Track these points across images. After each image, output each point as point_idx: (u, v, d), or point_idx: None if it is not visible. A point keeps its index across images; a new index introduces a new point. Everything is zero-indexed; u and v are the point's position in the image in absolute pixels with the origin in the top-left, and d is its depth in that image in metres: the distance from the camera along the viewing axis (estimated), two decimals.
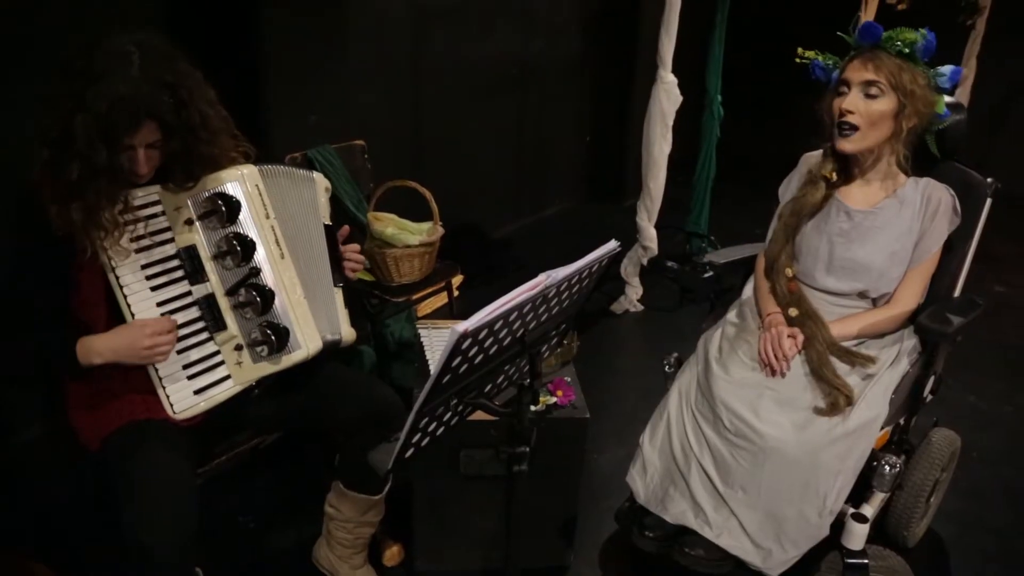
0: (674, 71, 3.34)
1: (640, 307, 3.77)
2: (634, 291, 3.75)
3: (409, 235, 2.65)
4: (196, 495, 1.53)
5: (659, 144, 3.40)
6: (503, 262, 4.31)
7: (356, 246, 1.94)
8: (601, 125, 5.20)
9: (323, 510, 2.01)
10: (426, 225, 2.73)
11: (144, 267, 1.56)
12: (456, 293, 3.37)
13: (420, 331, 2.27)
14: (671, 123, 3.39)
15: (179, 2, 2.72)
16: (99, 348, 1.51)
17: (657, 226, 3.62)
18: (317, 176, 1.85)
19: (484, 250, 4.39)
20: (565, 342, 2.13)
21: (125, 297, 1.54)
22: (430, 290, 2.77)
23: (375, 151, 2.97)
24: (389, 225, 2.70)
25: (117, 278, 1.52)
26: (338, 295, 1.85)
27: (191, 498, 1.51)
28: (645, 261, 3.65)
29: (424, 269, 2.70)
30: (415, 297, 2.78)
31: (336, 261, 1.86)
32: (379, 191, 2.74)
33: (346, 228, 1.92)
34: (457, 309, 3.05)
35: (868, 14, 4.05)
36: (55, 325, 1.54)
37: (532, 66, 4.53)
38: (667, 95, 3.34)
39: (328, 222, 1.86)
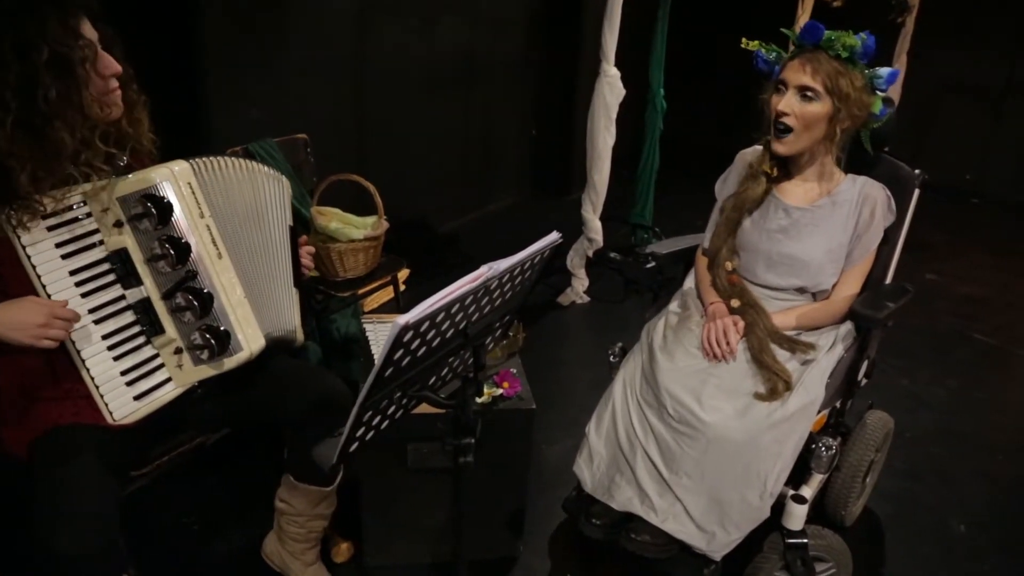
0: (617, 65, 3.37)
1: (587, 299, 3.81)
2: (580, 283, 3.78)
3: (353, 229, 2.62)
4: (115, 500, 1.48)
5: (603, 137, 3.43)
6: (450, 256, 4.31)
7: (305, 240, 1.94)
8: (546, 119, 5.22)
9: (273, 506, 1.98)
10: (371, 219, 2.71)
11: (73, 273, 1.49)
12: (403, 287, 3.36)
13: (365, 326, 2.26)
14: (614, 116, 3.42)
15: None
16: None
17: (602, 218, 3.66)
18: (285, 180, 1.83)
19: (431, 245, 4.38)
20: (511, 334, 2.15)
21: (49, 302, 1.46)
22: (375, 284, 2.75)
23: (318, 145, 2.93)
24: (333, 219, 2.66)
25: (44, 287, 1.46)
26: (295, 296, 1.84)
27: (108, 504, 1.45)
28: (591, 253, 3.69)
29: (369, 263, 2.68)
30: (361, 292, 2.76)
31: (296, 263, 1.84)
32: (322, 185, 2.70)
33: (304, 238, 1.92)
34: (404, 303, 3.04)
35: (805, 10, 4.16)
36: None
37: (477, 60, 4.52)
38: (610, 88, 3.37)
39: (290, 223, 1.83)
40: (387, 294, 3.29)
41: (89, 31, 1.47)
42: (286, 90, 3.30)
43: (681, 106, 4.28)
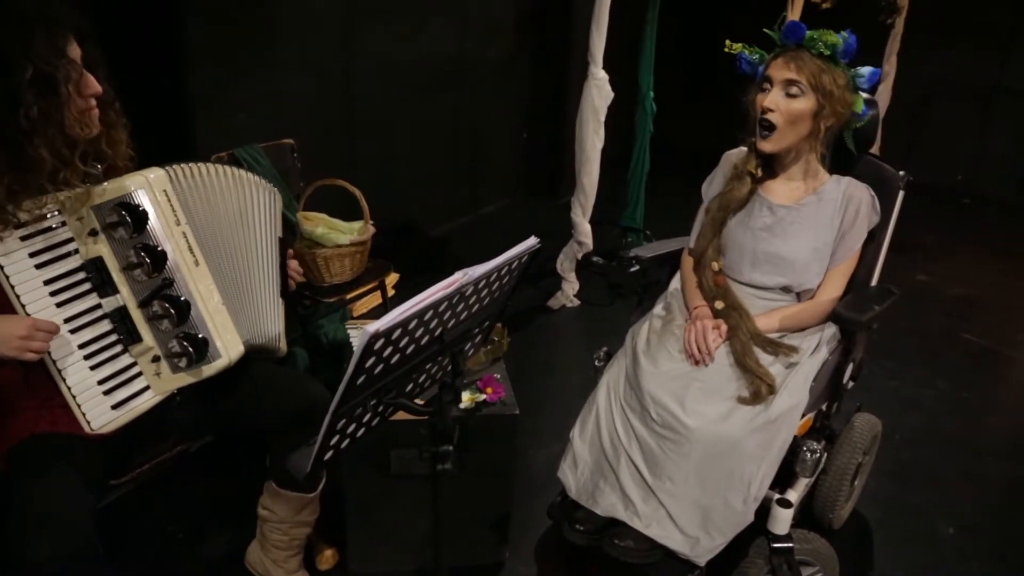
0: (607, 68, 3.37)
1: (577, 302, 3.80)
2: (570, 286, 3.77)
3: (339, 234, 2.61)
4: (91, 509, 1.47)
5: (592, 140, 3.42)
6: (441, 260, 4.30)
7: (293, 254, 1.95)
8: (537, 122, 5.22)
9: (256, 514, 1.97)
10: (357, 224, 2.70)
11: (47, 283, 1.48)
12: (393, 292, 3.35)
13: (350, 331, 2.25)
14: (603, 119, 3.42)
15: None
16: None
17: (593, 221, 3.65)
18: (277, 193, 1.85)
19: (422, 249, 4.38)
20: (495, 339, 2.14)
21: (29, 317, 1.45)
22: (362, 290, 2.74)
23: (306, 150, 2.92)
24: (319, 225, 2.66)
25: (18, 297, 1.44)
26: (281, 306, 1.84)
27: (83, 512, 1.44)
28: (580, 257, 3.68)
29: (355, 269, 2.67)
30: (348, 297, 2.75)
31: (284, 274, 1.86)
32: (309, 190, 2.70)
33: (291, 252, 1.93)
34: (392, 308, 3.02)
35: (794, 12, 4.16)
36: None
37: (467, 63, 4.52)
38: (599, 91, 3.37)
39: (280, 235, 1.84)
40: (376, 299, 3.28)
41: (74, 51, 1.47)
42: (273, 95, 3.29)
43: (672, 108, 4.28)
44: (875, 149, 2.17)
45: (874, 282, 2.07)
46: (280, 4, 3.26)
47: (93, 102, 1.52)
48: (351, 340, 2.21)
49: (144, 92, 2.78)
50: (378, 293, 2.98)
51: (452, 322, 1.31)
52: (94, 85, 1.50)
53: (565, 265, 3.73)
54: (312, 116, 3.52)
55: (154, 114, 2.88)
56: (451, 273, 1.23)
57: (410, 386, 1.38)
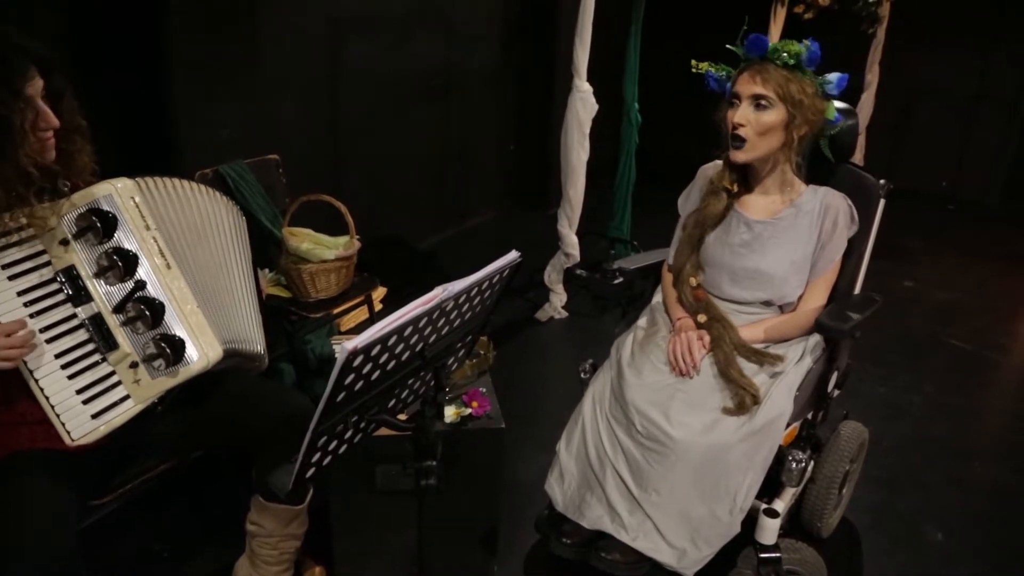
0: (592, 79, 3.38)
1: (565, 314, 3.80)
2: (558, 298, 3.78)
3: (325, 249, 2.61)
4: (74, 529, 1.46)
5: (577, 152, 3.44)
6: (429, 273, 4.29)
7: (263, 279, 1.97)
8: (524, 133, 5.23)
9: (242, 530, 1.96)
10: (343, 239, 2.70)
11: (21, 294, 1.48)
12: (380, 307, 3.35)
13: (335, 347, 2.24)
14: (588, 131, 3.43)
15: (82, 10, 2.63)
16: None
17: (581, 233, 3.66)
18: (243, 216, 1.87)
19: (410, 262, 4.37)
20: (481, 352, 2.14)
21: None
22: (348, 304, 2.74)
23: (292, 164, 2.92)
24: (304, 240, 2.65)
25: None
26: (259, 318, 1.84)
27: (66, 533, 1.43)
28: (567, 268, 3.69)
29: (341, 284, 2.66)
30: (334, 312, 2.74)
31: (259, 290, 1.88)
32: (294, 206, 2.69)
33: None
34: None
35: (776, 24, 4.20)
36: None
37: (453, 76, 4.53)
38: (583, 103, 3.38)
39: (250, 256, 1.86)
40: (364, 313, 3.27)
41: (34, 86, 1.48)
42: (257, 110, 3.28)
43: (658, 119, 4.30)
44: (858, 158, 2.18)
45: (857, 290, 2.08)
46: (263, 17, 3.26)
47: (49, 134, 1.53)
48: (336, 356, 2.20)
49: (127, 109, 2.79)
50: (365, 308, 2.98)
51: (433, 337, 1.31)
52: (51, 120, 1.51)
53: (553, 277, 3.73)
54: (297, 130, 3.51)
55: (137, 131, 2.88)
56: (439, 286, 1.23)
57: (392, 402, 1.38)
